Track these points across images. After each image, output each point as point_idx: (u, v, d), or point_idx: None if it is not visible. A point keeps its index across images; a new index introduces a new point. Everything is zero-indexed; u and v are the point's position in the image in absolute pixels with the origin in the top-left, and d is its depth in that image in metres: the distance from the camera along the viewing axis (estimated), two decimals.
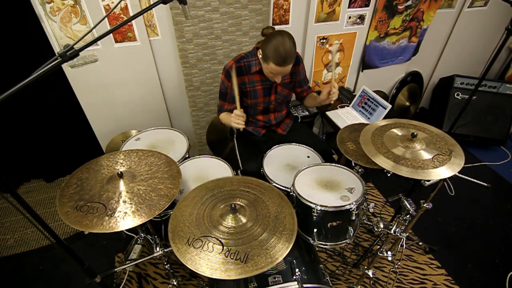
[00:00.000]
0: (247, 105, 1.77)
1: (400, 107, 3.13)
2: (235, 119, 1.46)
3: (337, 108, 2.46)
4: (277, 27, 2.19)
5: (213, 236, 1.09)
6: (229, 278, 0.97)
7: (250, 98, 1.72)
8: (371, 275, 1.59)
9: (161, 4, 0.93)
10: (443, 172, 1.21)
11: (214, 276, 0.97)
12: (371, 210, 1.46)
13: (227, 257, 1.01)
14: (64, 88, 1.96)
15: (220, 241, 1.07)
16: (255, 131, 1.87)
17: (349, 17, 2.36)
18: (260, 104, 1.75)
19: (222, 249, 1.04)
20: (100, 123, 2.14)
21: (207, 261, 1.00)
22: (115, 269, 1.40)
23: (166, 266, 1.53)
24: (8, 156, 2.39)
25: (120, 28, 1.80)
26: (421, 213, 1.60)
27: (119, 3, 1.75)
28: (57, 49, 1.78)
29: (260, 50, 1.53)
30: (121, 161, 1.37)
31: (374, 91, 2.30)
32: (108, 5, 1.75)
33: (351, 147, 1.63)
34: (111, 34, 1.85)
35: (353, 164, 1.59)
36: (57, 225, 2.23)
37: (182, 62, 2.07)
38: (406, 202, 1.35)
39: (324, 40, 2.41)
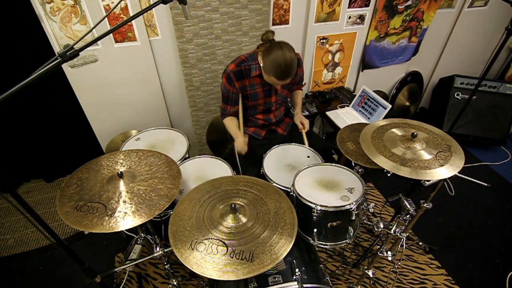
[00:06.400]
0: (248, 106, 1.77)
1: (400, 107, 3.13)
2: (239, 147, 1.70)
3: (337, 108, 2.46)
4: (277, 27, 2.21)
5: (215, 238, 1.08)
6: (238, 278, 0.96)
7: (251, 100, 1.72)
8: (371, 275, 1.59)
9: (161, 4, 0.94)
10: (443, 172, 1.21)
11: (222, 278, 0.96)
12: (371, 210, 1.46)
13: (232, 258, 1.01)
14: (64, 88, 1.96)
15: (223, 242, 1.07)
16: (255, 134, 1.87)
17: (349, 17, 2.36)
18: (261, 105, 1.76)
19: (227, 251, 1.04)
20: (100, 123, 2.14)
21: (213, 263, 1.00)
22: (115, 269, 1.40)
23: (166, 266, 1.52)
24: (8, 156, 2.39)
25: (120, 28, 1.80)
26: (421, 213, 1.60)
27: (119, 3, 1.74)
28: (57, 49, 1.78)
29: (260, 58, 1.55)
30: (121, 161, 1.37)
31: (374, 91, 2.30)
32: (108, 5, 1.75)
33: (351, 147, 1.63)
34: (111, 34, 1.85)
35: (353, 164, 1.60)
36: (57, 225, 2.23)
37: (182, 62, 2.07)
38: (406, 202, 1.34)
39: (324, 40, 2.42)
